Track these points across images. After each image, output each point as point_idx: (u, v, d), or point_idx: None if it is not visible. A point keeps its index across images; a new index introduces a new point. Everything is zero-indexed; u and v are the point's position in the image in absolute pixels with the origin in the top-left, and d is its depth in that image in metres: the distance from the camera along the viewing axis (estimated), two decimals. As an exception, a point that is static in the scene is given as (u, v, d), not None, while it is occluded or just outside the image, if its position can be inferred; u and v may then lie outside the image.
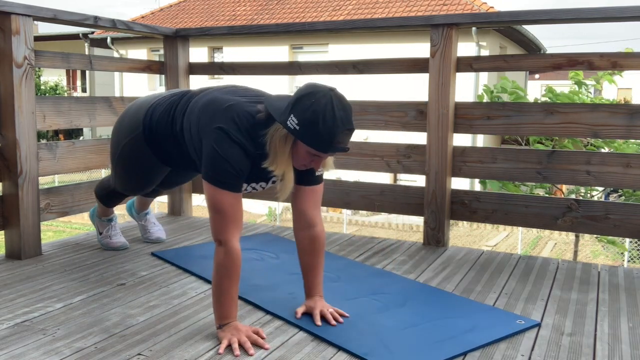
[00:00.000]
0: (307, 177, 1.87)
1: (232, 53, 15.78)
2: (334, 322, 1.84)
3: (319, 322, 1.83)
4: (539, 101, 6.25)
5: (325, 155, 1.71)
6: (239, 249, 1.74)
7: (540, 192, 6.89)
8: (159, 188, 2.58)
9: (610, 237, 6.75)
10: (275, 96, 1.83)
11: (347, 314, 1.91)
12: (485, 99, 6.33)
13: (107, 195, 2.59)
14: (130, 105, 2.28)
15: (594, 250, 12.03)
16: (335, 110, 1.62)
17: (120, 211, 2.81)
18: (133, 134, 2.17)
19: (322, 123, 1.61)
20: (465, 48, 12.77)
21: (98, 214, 2.71)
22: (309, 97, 1.64)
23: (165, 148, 2.12)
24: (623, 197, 7.02)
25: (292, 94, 1.74)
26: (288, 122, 1.65)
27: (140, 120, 2.14)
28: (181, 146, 2.02)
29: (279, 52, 14.83)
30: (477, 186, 12.49)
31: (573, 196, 6.87)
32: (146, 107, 2.15)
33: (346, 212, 13.72)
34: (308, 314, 1.90)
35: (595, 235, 6.63)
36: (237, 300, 1.77)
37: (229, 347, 1.68)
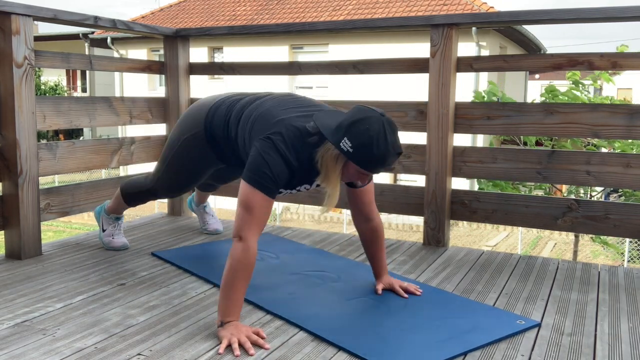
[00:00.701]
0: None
1: (232, 53, 15.79)
2: (411, 294, 2.11)
3: (405, 295, 2.09)
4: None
5: (373, 174, 1.84)
6: (256, 248, 1.81)
7: (539, 193, 6.90)
8: (215, 183, 2.77)
9: (604, 238, 6.75)
10: (325, 112, 1.91)
11: (420, 290, 2.15)
12: None
13: (136, 194, 2.58)
14: (194, 104, 2.35)
15: (594, 250, 12.04)
16: (387, 135, 1.74)
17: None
18: (194, 130, 2.24)
19: (375, 148, 1.72)
20: (465, 48, 12.77)
21: (108, 210, 2.71)
22: (363, 123, 1.73)
23: (222, 148, 2.21)
24: (623, 197, 7.02)
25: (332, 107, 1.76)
26: (341, 145, 1.74)
27: (202, 120, 2.22)
28: (235, 150, 2.13)
29: (279, 52, 14.83)
30: (476, 186, 12.50)
31: (572, 196, 6.87)
32: (207, 108, 2.22)
33: (346, 212, 13.71)
34: (388, 290, 2.15)
35: (590, 236, 6.62)
36: (242, 300, 1.80)
37: (229, 347, 1.68)
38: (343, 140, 1.73)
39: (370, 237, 2.15)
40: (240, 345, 1.68)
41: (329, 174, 1.81)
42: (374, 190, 3.06)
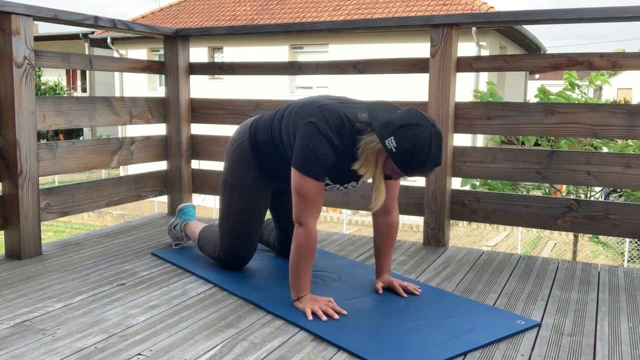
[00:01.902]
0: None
1: (232, 53, 15.79)
2: (410, 294, 2.11)
3: (404, 295, 2.09)
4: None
5: (407, 177, 1.91)
6: (316, 231, 1.97)
7: (538, 193, 6.90)
8: (276, 222, 2.54)
9: (602, 239, 6.75)
10: (380, 105, 1.97)
11: (419, 290, 2.14)
12: None
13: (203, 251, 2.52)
14: (243, 122, 2.44)
15: (594, 250, 12.04)
16: (432, 147, 1.80)
17: (122, 210, 2.79)
18: (240, 140, 2.32)
19: (417, 155, 1.79)
20: (465, 48, 12.77)
21: (187, 232, 2.66)
22: (413, 129, 1.79)
23: (265, 152, 2.24)
24: (623, 197, 7.02)
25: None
26: (387, 142, 1.81)
27: (247, 128, 2.32)
28: (278, 149, 2.17)
29: (279, 52, 14.83)
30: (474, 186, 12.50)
31: (572, 196, 6.87)
32: (253, 118, 2.36)
33: (346, 212, 13.72)
34: (387, 289, 2.15)
35: (588, 236, 6.61)
36: (310, 276, 1.98)
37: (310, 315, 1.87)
38: (390, 139, 1.80)
39: (385, 230, 2.17)
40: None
41: (369, 164, 1.89)
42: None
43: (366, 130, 1.90)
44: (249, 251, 2.36)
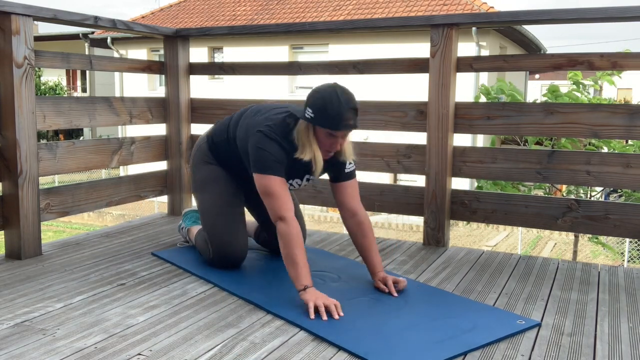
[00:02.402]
0: (341, 175, 2.26)
1: (232, 53, 15.78)
2: (399, 291, 2.14)
3: (395, 294, 2.11)
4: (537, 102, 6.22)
5: (339, 133, 2.06)
6: (296, 220, 2.08)
7: (539, 193, 6.89)
8: (264, 234, 2.64)
9: (601, 239, 6.74)
10: (296, 105, 2.29)
11: (404, 282, 2.17)
12: (482, 100, 6.32)
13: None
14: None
15: (594, 250, 12.03)
16: (339, 95, 2.03)
17: (122, 210, 2.80)
18: (200, 144, 2.54)
19: (330, 106, 2.02)
20: (465, 48, 12.77)
21: (189, 236, 2.69)
22: (317, 92, 2.08)
23: (222, 149, 2.44)
24: (623, 197, 7.02)
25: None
26: (306, 114, 2.08)
27: (205, 134, 2.56)
28: (232, 148, 2.37)
29: (279, 52, 14.83)
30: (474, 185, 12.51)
31: (572, 196, 6.87)
32: (213, 125, 2.57)
33: (346, 212, 13.68)
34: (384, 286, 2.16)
35: (588, 236, 6.61)
36: (307, 264, 2.02)
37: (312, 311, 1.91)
38: (306, 110, 2.07)
39: (358, 230, 2.24)
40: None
41: (305, 145, 2.10)
42: (374, 190, 3.07)
43: (294, 123, 2.15)
44: (237, 243, 2.36)
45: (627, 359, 1.68)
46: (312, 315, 1.89)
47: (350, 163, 2.25)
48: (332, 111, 2.01)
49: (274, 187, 2.09)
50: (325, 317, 1.89)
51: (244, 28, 3.46)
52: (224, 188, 2.44)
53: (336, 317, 1.90)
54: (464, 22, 2.73)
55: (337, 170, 2.25)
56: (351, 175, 2.27)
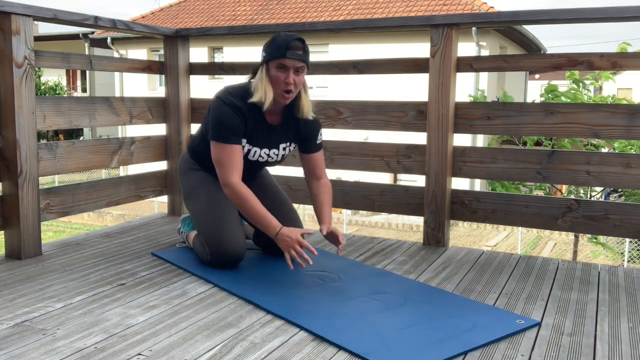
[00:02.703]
0: (312, 147, 2.45)
1: (232, 53, 15.78)
2: (342, 243, 2.27)
3: (343, 241, 2.27)
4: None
5: (287, 61, 2.19)
6: (239, 181, 2.24)
7: (540, 193, 6.89)
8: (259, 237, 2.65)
9: (600, 240, 6.75)
10: None
11: (344, 240, 2.29)
12: None
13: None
14: None
15: (594, 250, 12.04)
16: (286, 33, 2.24)
17: (122, 210, 2.80)
18: (183, 156, 2.65)
19: (277, 38, 2.22)
20: (465, 48, 12.77)
21: (188, 241, 2.66)
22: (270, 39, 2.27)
23: (200, 151, 2.49)
24: (623, 197, 7.02)
25: None
26: (261, 60, 2.25)
27: (187, 145, 2.70)
28: (208, 143, 2.37)
29: (279, 52, 14.80)
30: (477, 187, 12.49)
31: (572, 196, 6.86)
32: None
33: (346, 212, 13.72)
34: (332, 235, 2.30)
35: (588, 236, 6.61)
36: (264, 210, 2.22)
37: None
38: (262, 57, 2.25)
39: (319, 189, 2.44)
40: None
41: (257, 87, 2.25)
42: (374, 190, 3.07)
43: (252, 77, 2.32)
44: (232, 241, 2.35)
45: (627, 359, 1.68)
46: (291, 267, 2.15)
47: (320, 135, 2.46)
48: (279, 40, 2.20)
49: (222, 154, 2.24)
50: (303, 265, 2.14)
51: (244, 28, 3.46)
52: (212, 189, 2.46)
53: (310, 262, 2.12)
54: (464, 22, 2.73)
55: (309, 142, 2.44)
56: (320, 146, 2.48)
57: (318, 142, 2.46)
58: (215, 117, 2.26)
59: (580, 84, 6.09)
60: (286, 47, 2.18)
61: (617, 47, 5.85)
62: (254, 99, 2.25)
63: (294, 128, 2.41)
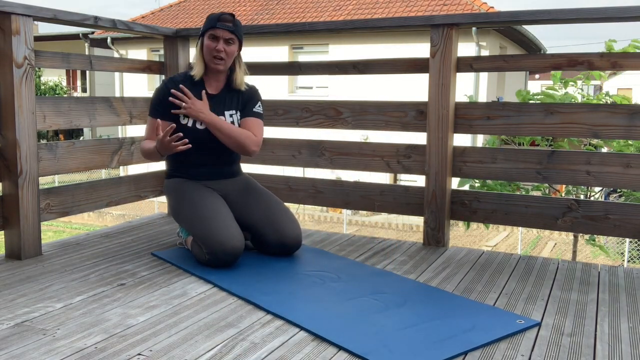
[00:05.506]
0: (249, 112, 2.65)
1: (232, 53, 15.75)
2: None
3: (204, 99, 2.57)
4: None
5: (217, 31, 2.49)
6: (145, 143, 2.56)
7: (538, 194, 6.88)
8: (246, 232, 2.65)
9: (597, 242, 6.74)
10: None
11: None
12: None
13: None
14: None
15: (594, 250, 12.03)
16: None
17: (122, 210, 2.80)
18: (164, 182, 2.75)
19: (210, 15, 2.52)
20: (465, 48, 12.77)
21: (187, 245, 2.65)
22: None
23: (177, 164, 2.67)
24: (623, 198, 7.01)
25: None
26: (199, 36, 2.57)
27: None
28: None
29: (279, 52, 14.83)
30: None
31: (572, 197, 6.86)
32: None
33: (346, 212, 13.72)
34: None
35: (586, 237, 6.60)
36: (153, 146, 2.47)
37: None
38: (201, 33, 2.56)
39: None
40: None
41: (195, 62, 2.56)
42: (374, 190, 3.07)
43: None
44: (227, 237, 2.35)
45: (627, 359, 1.68)
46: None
47: (258, 106, 2.66)
48: (212, 15, 2.51)
49: (148, 125, 2.61)
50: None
51: (244, 28, 3.45)
52: (194, 195, 2.53)
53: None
54: (464, 22, 2.73)
55: (247, 107, 2.64)
56: (257, 114, 2.65)
57: (255, 110, 2.65)
58: (152, 97, 2.61)
59: (571, 84, 6.05)
60: (217, 19, 2.48)
61: (605, 45, 5.81)
62: (193, 71, 2.57)
63: (236, 98, 2.64)
